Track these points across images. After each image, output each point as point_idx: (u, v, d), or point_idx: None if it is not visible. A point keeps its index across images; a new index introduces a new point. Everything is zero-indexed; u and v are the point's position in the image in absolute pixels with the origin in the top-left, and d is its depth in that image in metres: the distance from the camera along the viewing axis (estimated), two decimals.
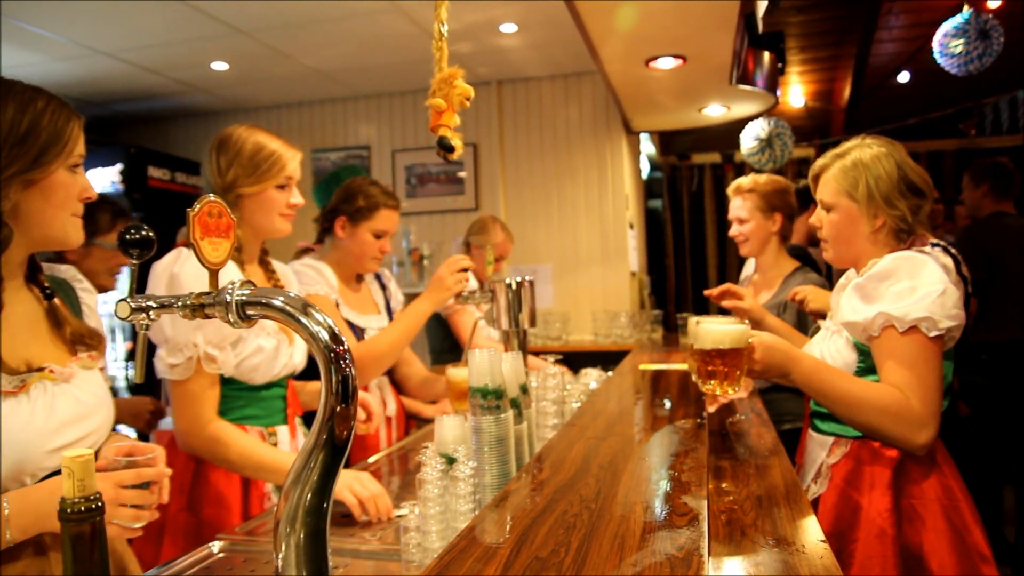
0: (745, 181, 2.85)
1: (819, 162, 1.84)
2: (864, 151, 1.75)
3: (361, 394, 2.18)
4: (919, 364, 1.56)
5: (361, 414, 2.05)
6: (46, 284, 1.33)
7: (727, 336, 1.58)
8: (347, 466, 2.12)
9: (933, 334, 1.55)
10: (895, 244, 1.73)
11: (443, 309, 3.44)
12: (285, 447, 1.87)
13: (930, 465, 1.62)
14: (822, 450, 1.74)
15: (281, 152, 1.85)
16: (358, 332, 2.44)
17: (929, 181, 1.75)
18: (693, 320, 1.68)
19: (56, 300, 1.33)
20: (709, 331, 1.60)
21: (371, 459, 2.23)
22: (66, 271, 1.44)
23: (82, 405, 1.25)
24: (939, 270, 1.60)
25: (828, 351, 1.74)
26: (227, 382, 1.78)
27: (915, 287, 1.58)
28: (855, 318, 1.63)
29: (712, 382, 1.62)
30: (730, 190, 2.90)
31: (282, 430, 1.90)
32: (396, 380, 2.67)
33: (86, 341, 1.32)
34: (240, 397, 1.81)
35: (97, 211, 2.57)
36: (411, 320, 2.29)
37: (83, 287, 1.44)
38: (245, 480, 1.79)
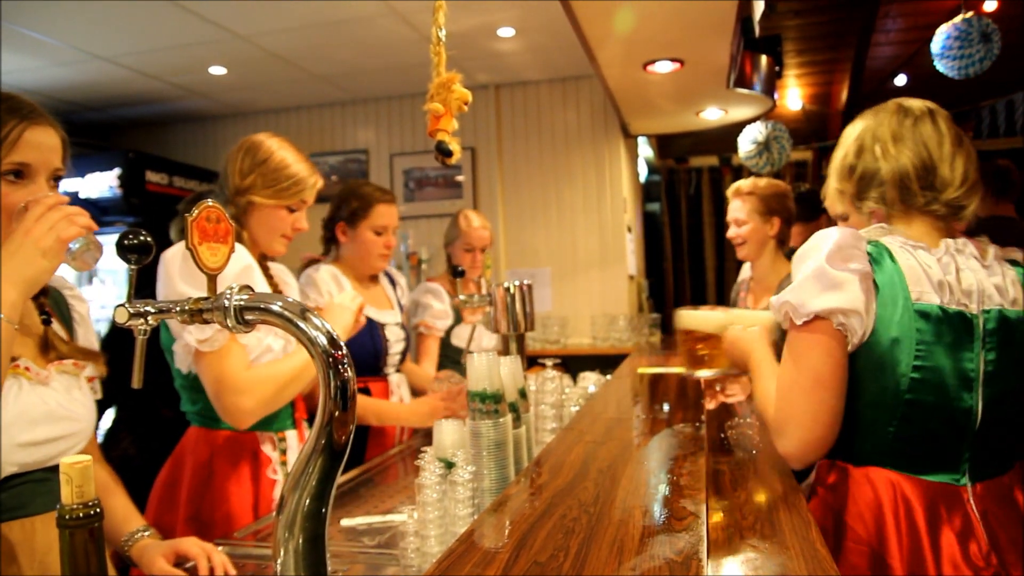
0: (745, 184, 2.86)
1: None
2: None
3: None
4: (786, 360, 1.38)
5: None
6: (47, 307, 1.30)
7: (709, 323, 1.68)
8: (362, 461, 2.15)
9: (800, 320, 1.33)
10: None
11: (412, 329, 3.36)
12: (294, 452, 1.88)
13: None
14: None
15: (303, 177, 1.87)
16: (378, 327, 2.47)
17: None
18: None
19: (53, 326, 1.30)
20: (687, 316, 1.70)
21: (380, 457, 2.25)
22: (55, 279, 1.38)
23: (59, 407, 1.23)
24: (831, 245, 1.34)
25: None
26: None
27: (801, 267, 1.37)
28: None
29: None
30: (729, 192, 2.91)
31: (291, 434, 1.91)
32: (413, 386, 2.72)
33: (70, 356, 1.30)
34: None
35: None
36: (390, 416, 2.37)
37: (73, 295, 1.42)
38: (255, 481, 1.80)
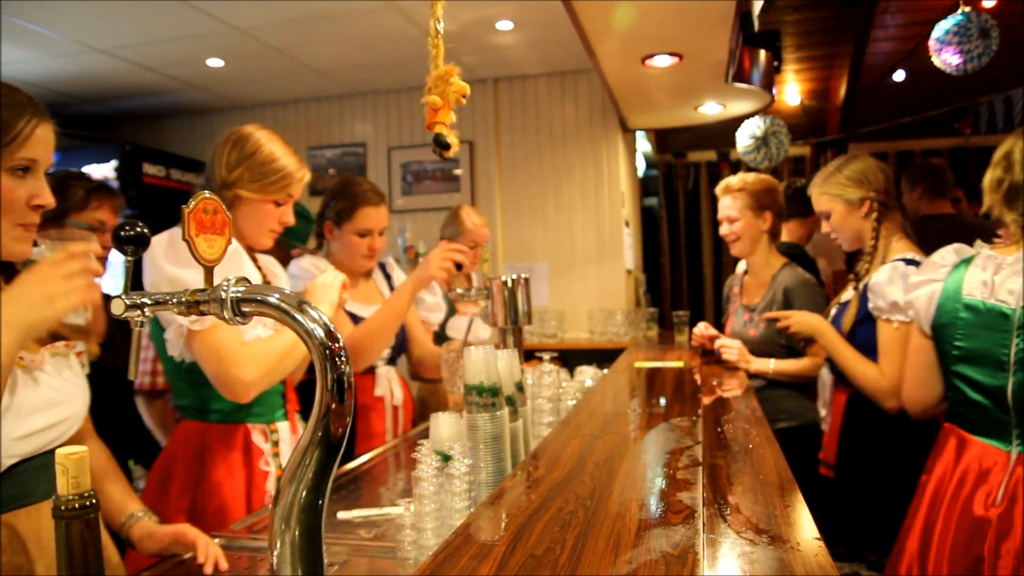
0: (734, 180, 2.84)
1: None
2: None
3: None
4: None
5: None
6: None
7: None
8: (353, 457, 2.14)
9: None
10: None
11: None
12: (286, 443, 1.87)
13: None
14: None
15: (291, 171, 1.84)
16: (360, 323, 2.45)
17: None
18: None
19: None
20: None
21: (377, 450, 2.24)
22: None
23: (54, 392, 1.23)
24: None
25: None
26: None
27: None
28: None
29: None
30: (719, 189, 2.89)
31: (283, 426, 1.90)
32: (412, 364, 2.70)
33: (62, 336, 1.30)
34: None
35: (68, 187, 2.28)
36: (396, 300, 2.34)
37: None
38: (248, 474, 1.80)
